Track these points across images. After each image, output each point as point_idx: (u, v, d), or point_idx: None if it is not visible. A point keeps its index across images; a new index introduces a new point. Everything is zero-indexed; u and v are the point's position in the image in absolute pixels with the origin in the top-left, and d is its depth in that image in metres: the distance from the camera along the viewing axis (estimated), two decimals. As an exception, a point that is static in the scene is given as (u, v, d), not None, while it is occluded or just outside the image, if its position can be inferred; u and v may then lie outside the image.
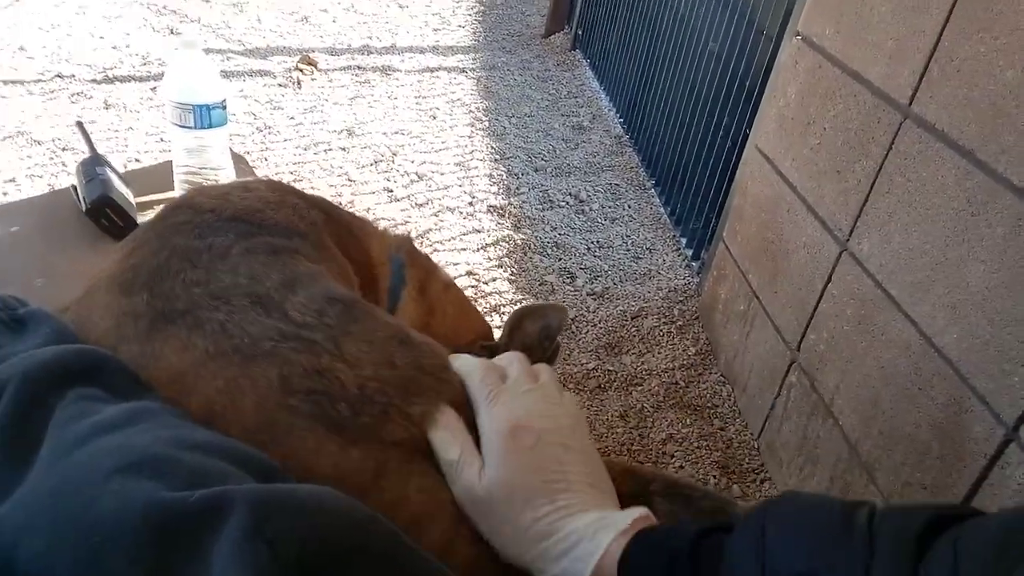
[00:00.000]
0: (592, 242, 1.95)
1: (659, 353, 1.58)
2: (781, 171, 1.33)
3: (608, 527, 0.50)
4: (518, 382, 0.59)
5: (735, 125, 1.68)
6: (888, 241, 1.00)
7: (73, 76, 2.37)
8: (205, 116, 0.90)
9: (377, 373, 0.55)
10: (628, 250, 1.95)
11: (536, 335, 0.83)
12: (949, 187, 0.90)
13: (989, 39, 0.85)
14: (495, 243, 1.89)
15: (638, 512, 0.51)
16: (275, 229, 0.66)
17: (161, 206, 0.97)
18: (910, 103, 0.98)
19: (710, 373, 1.53)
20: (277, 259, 0.61)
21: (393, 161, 2.20)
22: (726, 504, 0.62)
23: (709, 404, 1.45)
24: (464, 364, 0.61)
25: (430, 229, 1.91)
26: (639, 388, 1.48)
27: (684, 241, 1.96)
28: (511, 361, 0.61)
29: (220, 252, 0.60)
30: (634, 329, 1.64)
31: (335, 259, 0.71)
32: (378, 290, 0.79)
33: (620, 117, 2.67)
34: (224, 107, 0.92)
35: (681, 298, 1.75)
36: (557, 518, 0.51)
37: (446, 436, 0.55)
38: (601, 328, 1.63)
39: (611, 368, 1.52)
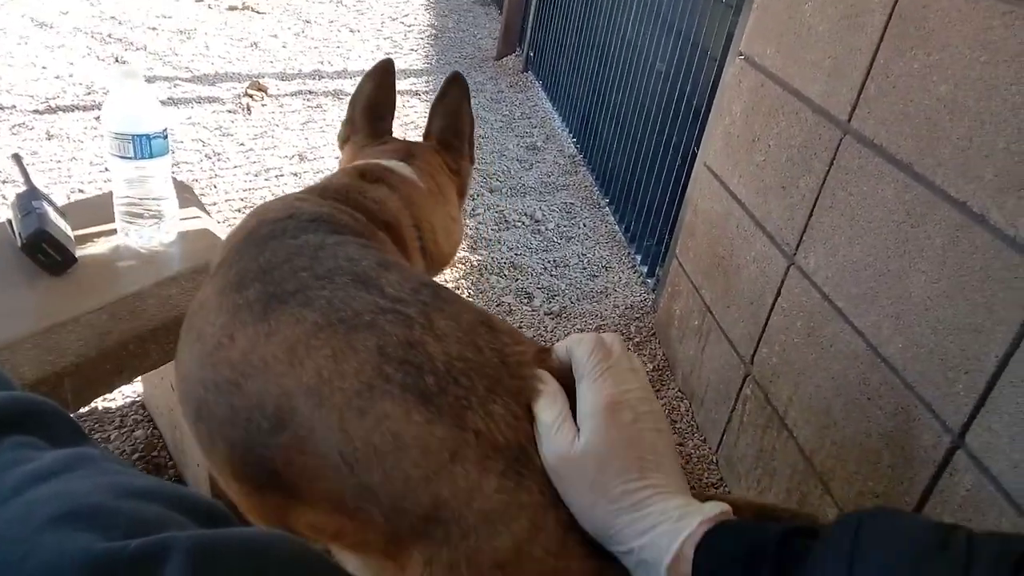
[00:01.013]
0: (548, 261, 1.96)
1: (617, 371, 1.58)
2: (729, 187, 1.35)
3: (694, 513, 0.51)
4: (621, 360, 0.60)
5: (684, 143, 1.71)
6: (833, 254, 1.02)
7: (14, 107, 2.31)
8: (146, 146, 0.88)
9: (462, 354, 0.59)
10: (584, 269, 1.96)
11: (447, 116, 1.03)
12: (889, 200, 0.92)
13: (923, 55, 0.88)
14: (452, 264, 1.89)
15: (724, 506, 0.52)
16: (349, 230, 0.74)
17: (101, 239, 0.94)
18: (849, 119, 1.01)
19: (668, 388, 1.54)
20: (367, 248, 0.69)
21: (347, 185, 2.18)
22: (812, 519, 0.62)
23: (668, 419, 1.46)
24: (572, 340, 0.62)
25: (385, 253, 1.89)
26: (599, 406, 1.48)
27: (639, 258, 1.98)
28: (614, 340, 0.63)
29: (317, 244, 0.68)
30: (592, 347, 1.64)
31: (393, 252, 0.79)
32: (413, 261, 0.88)
33: (573, 137, 2.70)
34: (165, 136, 0.90)
35: (638, 315, 1.76)
36: (646, 495, 0.53)
37: (547, 398, 0.57)
38: (559, 347, 1.63)
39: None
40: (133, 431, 1.27)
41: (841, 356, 1.00)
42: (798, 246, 1.11)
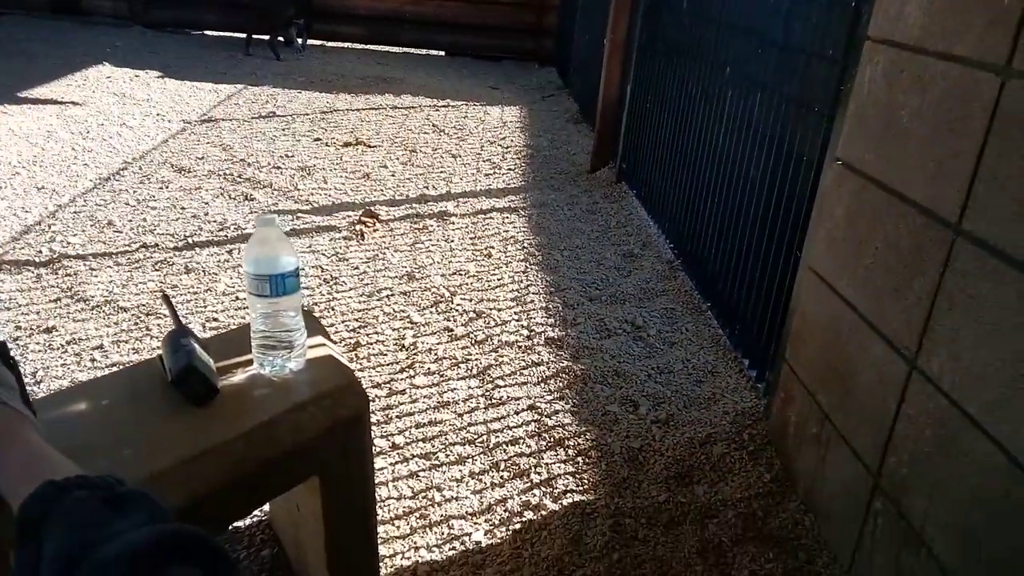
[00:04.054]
0: (652, 368, 1.95)
1: (732, 481, 1.53)
2: (838, 290, 1.33)
3: None
4: None
5: (785, 246, 1.70)
6: (958, 358, 0.98)
7: (156, 245, 2.57)
8: (280, 284, 0.97)
9: None
10: (690, 374, 1.93)
11: None
12: (1012, 303, 0.89)
13: (1028, 156, 0.87)
14: (555, 375, 1.91)
15: None
16: None
17: (239, 369, 1.03)
18: (959, 221, 0.99)
19: (789, 502, 1.47)
20: None
21: (452, 301, 2.27)
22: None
23: (791, 536, 1.39)
24: None
25: (490, 365, 1.94)
26: (715, 520, 1.42)
27: (747, 362, 1.93)
28: None
29: None
30: (704, 457, 1.60)
31: None
32: None
33: (670, 243, 2.72)
34: (297, 275, 0.99)
35: (750, 422, 1.71)
36: None
37: None
38: (669, 457, 1.60)
39: (683, 500, 1.47)
40: (260, 551, 1.32)
41: (978, 467, 0.94)
42: (918, 349, 1.07)
